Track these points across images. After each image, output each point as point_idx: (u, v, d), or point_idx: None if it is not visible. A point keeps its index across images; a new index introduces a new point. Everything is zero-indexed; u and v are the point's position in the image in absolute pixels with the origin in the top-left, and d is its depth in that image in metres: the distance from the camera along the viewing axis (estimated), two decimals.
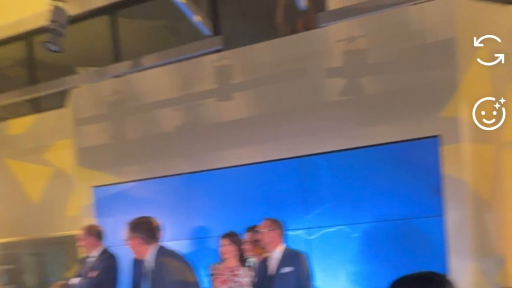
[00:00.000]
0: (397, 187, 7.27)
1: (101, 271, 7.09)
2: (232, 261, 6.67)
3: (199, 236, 8.63)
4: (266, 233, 6.38)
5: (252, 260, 6.87)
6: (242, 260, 6.75)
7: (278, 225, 6.46)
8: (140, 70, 8.88)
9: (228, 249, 6.65)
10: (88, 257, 7.30)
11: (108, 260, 7.21)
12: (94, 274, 7.07)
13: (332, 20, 7.42)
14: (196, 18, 8.03)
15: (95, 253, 7.22)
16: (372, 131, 7.41)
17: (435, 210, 7.07)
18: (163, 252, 5.18)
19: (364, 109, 7.47)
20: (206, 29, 8.26)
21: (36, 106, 11.21)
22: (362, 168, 7.51)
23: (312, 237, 7.81)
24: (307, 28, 8.21)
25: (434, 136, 7.05)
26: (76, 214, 9.77)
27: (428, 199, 7.13)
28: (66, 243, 10.24)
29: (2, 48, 11.39)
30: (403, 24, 7.25)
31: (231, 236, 6.71)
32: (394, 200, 7.28)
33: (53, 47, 8.06)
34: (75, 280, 7.23)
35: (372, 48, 7.41)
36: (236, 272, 6.65)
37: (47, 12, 7.97)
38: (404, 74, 7.24)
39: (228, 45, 8.36)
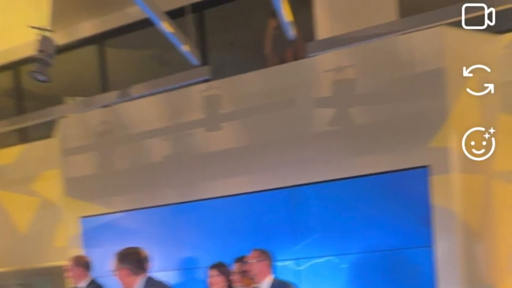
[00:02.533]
0: (386, 218, 7.25)
1: None
2: None
3: (187, 266, 8.59)
4: (255, 264, 6.35)
5: None
6: None
7: (266, 255, 6.43)
8: (128, 100, 8.84)
9: (216, 280, 6.58)
10: None
11: None
12: None
13: (321, 49, 7.42)
14: (184, 48, 8.00)
15: (83, 284, 7.16)
16: (361, 161, 7.39)
17: (424, 240, 7.05)
18: (151, 283, 5.13)
19: (353, 139, 7.46)
20: (194, 59, 8.23)
21: (24, 136, 11.20)
22: (351, 198, 7.49)
23: (301, 267, 7.77)
24: (296, 57, 8.21)
25: (424, 167, 7.05)
26: (63, 245, 9.73)
27: (417, 229, 7.10)
28: (54, 274, 10.19)
29: None
30: (392, 54, 7.26)
31: (220, 267, 6.65)
32: (383, 231, 7.27)
33: (41, 77, 8.02)
34: None
35: (361, 78, 7.41)
36: None
37: (34, 42, 7.94)
38: (393, 104, 7.24)
39: (217, 75, 8.34)
